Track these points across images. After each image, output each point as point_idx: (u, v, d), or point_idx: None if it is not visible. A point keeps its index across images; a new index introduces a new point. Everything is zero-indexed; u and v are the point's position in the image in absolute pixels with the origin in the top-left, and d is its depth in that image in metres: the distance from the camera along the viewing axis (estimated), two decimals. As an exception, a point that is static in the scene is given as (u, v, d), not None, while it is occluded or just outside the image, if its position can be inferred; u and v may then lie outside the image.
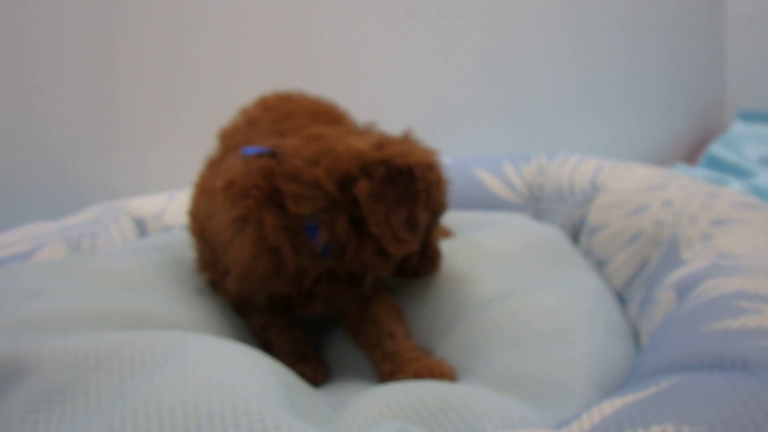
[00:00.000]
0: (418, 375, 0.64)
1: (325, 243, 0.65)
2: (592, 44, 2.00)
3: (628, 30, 2.03)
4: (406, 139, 0.71)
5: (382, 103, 1.73)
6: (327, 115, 0.82)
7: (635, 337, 0.78)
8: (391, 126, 0.81)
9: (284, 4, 1.63)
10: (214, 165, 0.77)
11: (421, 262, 0.76)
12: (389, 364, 0.68)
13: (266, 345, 0.74)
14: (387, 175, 0.62)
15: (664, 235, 0.85)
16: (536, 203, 1.27)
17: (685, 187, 0.92)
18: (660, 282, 0.76)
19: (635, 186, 0.99)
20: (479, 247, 0.96)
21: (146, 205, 1.32)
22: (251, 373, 0.54)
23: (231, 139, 0.79)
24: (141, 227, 1.28)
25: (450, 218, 1.13)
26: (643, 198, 0.95)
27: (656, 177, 0.99)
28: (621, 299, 0.90)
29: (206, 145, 0.85)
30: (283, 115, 0.79)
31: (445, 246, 0.99)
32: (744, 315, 0.53)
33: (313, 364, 0.72)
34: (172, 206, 1.33)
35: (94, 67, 1.54)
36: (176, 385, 0.49)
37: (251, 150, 0.68)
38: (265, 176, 0.64)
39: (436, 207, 0.70)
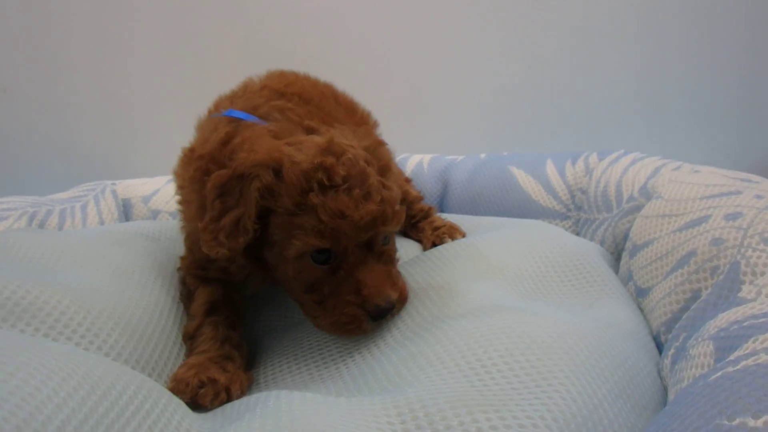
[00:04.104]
0: None
1: None
2: (698, 47, 1.70)
3: (739, 31, 1.71)
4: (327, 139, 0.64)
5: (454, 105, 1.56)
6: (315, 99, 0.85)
7: (663, 406, 0.53)
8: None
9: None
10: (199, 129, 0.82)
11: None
12: None
13: (195, 334, 0.68)
14: (230, 175, 0.62)
15: (723, 260, 0.59)
16: (578, 212, 1.02)
17: (763, 194, 0.65)
18: (702, 327, 0.52)
19: (696, 192, 0.73)
20: (479, 255, 0.75)
21: (137, 186, 1.21)
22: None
23: (219, 102, 0.86)
24: (126, 210, 1.17)
25: (467, 224, 0.93)
26: (702, 207, 0.69)
27: (728, 181, 0.72)
28: (659, 346, 0.65)
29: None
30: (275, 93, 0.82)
31: (437, 251, 0.79)
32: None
33: (231, 372, 0.61)
34: (168, 189, 1.22)
35: (107, 57, 1.51)
36: None
37: (230, 113, 0.75)
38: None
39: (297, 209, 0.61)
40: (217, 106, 0.86)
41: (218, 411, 0.55)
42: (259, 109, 0.77)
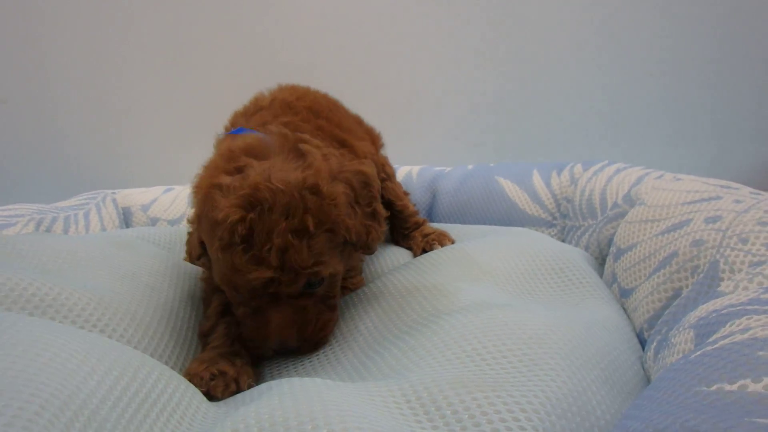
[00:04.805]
0: None
1: None
2: (671, 59, 1.76)
3: (712, 45, 1.77)
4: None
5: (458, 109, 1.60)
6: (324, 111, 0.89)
7: (647, 391, 0.57)
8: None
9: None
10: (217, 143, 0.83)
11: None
12: None
13: (209, 332, 0.70)
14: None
15: (703, 260, 0.64)
16: (563, 220, 1.07)
17: (742, 199, 0.69)
18: (682, 319, 0.56)
19: (678, 198, 0.77)
20: (468, 260, 0.79)
21: (136, 195, 1.24)
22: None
23: (234, 120, 0.90)
24: (126, 217, 1.20)
25: (455, 232, 0.97)
26: (684, 212, 0.73)
27: (708, 188, 0.77)
28: (642, 342, 0.69)
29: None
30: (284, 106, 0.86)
31: (427, 256, 0.83)
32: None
33: (239, 366, 0.63)
34: (165, 198, 1.25)
35: (104, 66, 1.53)
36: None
37: (239, 131, 0.76)
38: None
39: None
40: (233, 123, 0.89)
41: (230, 399, 0.58)
42: (268, 126, 0.79)
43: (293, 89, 0.95)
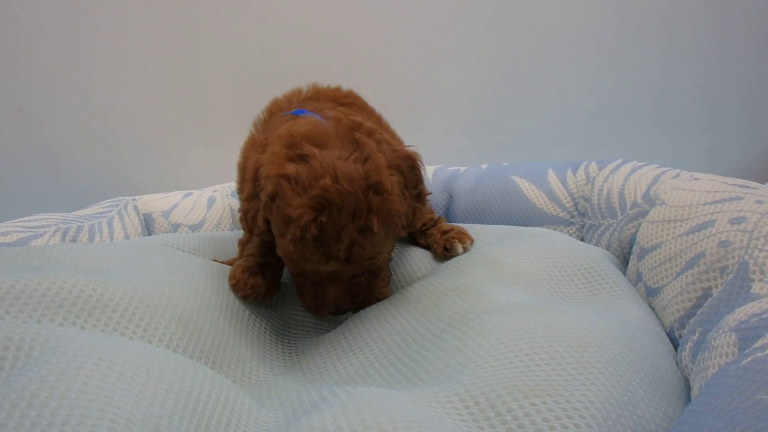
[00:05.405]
0: None
1: None
2: (663, 51, 1.78)
3: (705, 38, 1.80)
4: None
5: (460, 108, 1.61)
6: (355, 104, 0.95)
7: (686, 392, 0.60)
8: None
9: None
10: (258, 126, 0.94)
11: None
12: None
13: (247, 241, 0.85)
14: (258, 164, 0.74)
15: (731, 261, 0.66)
16: (582, 218, 1.09)
17: (763, 200, 0.72)
18: (719, 321, 0.58)
19: (699, 198, 0.80)
20: (494, 263, 0.81)
21: (156, 201, 1.25)
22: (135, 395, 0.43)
23: (274, 107, 0.96)
24: (148, 224, 1.21)
25: (474, 231, 0.99)
26: (706, 213, 0.76)
27: (728, 188, 0.80)
28: (673, 341, 0.72)
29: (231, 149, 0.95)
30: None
31: (453, 261, 0.85)
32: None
33: (270, 281, 0.80)
34: (185, 204, 1.26)
35: (99, 69, 1.53)
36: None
37: (294, 111, 0.83)
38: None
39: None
40: (277, 106, 0.96)
41: (277, 403, 0.60)
42: (324, 111, 0.84)
43: (329, 87, 1.01)
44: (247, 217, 0.76)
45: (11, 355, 0.47)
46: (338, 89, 0.99)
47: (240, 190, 0.87)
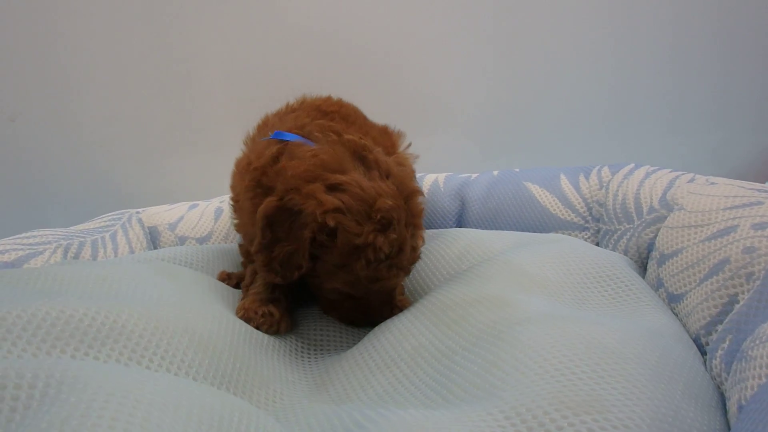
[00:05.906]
0: None
1: None
2: (671, 51, 1.78)
3: (712, 36, 1.80)
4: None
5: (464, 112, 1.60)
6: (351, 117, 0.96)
7: (722, 402, 0.58)
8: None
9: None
10: (248, 144, 0.94)
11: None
12: None
13: (251, 282, 0.84)
14: (277, 206, 0.73)
15: (758, 267, 0.65)
16: (597, 223, 1.08)
17: (786, 205, 0.71)
18: (754, 330, 0.57)
19: (718, 203, 0.79)
20: (517, 271, 0.80)
21: (162, 213, 1.23)
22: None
23: (264, 125, 0.96)
24: (153, 237, 1.19)
25: (490, 237, 0.97)
26: (727, 218, 0.75)
27: (746, 192, 0.79)
28: (700, 347, 0.70)
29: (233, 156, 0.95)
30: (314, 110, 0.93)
31: (473, 269, 0.83)
32: None
33: (282, 311, 0.80)
34: (191, 216, 1.24)
35: (128, 80, 1.52)
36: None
37: (278, 135, 0.83)
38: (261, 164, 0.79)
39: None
40: (266, 123, 0.96)
41: (305, 428, 0.58)
42: (305, 128, 0.85)
43: (318, 97, 1.01)
44: (276, 264, 0.73)
45: (24, 395, 0.42)
46: (328, 98, 1.00)
47: (244, 235, 0.89)
